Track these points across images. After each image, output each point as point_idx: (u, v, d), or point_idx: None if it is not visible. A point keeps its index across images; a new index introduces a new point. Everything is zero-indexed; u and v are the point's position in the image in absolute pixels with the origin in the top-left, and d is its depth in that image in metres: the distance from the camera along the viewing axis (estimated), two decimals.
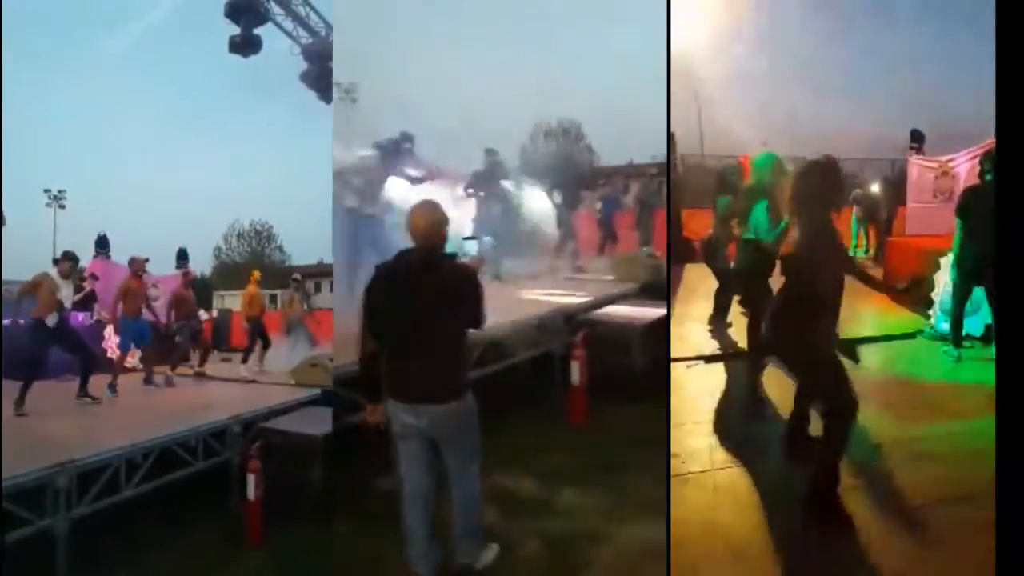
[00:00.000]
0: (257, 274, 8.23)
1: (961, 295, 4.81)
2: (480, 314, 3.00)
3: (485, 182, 7.37)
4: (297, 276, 9.25)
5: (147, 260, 6.83)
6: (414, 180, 6.55)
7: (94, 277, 8.39)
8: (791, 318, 3.02)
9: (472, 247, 3.07)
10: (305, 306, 8.87)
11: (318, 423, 4.80)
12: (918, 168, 7.94)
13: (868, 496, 3.13)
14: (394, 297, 2.96)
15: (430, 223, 2.95)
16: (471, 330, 3.05)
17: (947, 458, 3.42)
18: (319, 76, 9.26)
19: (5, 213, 4.79)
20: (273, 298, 12.15)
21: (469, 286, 2.96)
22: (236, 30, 8.95)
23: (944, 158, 7.38)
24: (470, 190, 7.49)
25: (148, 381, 6.71)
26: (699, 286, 6.38)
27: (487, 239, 3.09)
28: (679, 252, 7.59)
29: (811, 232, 2.94)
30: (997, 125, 2.83)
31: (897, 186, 8.34)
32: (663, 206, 10.35)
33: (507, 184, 7.93)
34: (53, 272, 5.51)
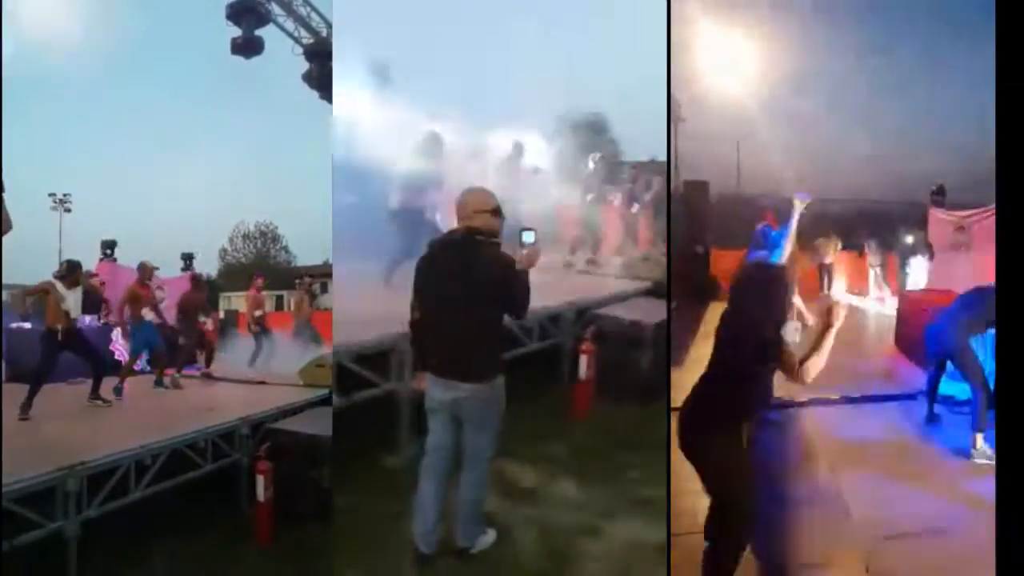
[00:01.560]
0: (260, 281, 8.22)
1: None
2: (520, 304, 3.02)
3: (510, 167, 7.28)
4: (306, 278, 9.31)
5: (156, 268, 6.88)
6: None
7: (95, 276, 8.42)
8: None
9: (530, 238, 2.99)
10: (312, 307, 8.90)
11: (326, 423, 4.82)
12: (937, 219, 7.74)
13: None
14: (434, 273, 3.09)
15: (473, 207, 3.06)
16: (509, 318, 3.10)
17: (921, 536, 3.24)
18: (320, 76, 9.29)
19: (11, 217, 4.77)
20: (280, 298, 12.23)
21: (508, 274, 2.97)
22: (238, 32, 9.01)
23: (963, 212, 7.22)
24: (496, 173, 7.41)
25: (159, 383, 6.78)
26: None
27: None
28: (703, 291, 7.15)
29: (744, 336, 2.61)
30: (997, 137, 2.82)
31: (921, 234, 8.08)
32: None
33: (530, 171, 7.83)
34: (58, 284, 5.49)
